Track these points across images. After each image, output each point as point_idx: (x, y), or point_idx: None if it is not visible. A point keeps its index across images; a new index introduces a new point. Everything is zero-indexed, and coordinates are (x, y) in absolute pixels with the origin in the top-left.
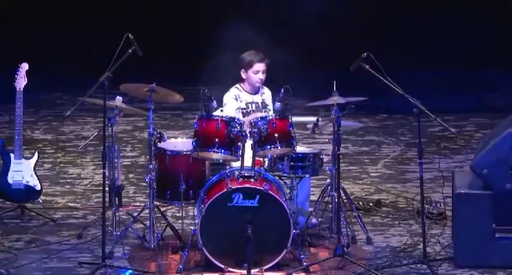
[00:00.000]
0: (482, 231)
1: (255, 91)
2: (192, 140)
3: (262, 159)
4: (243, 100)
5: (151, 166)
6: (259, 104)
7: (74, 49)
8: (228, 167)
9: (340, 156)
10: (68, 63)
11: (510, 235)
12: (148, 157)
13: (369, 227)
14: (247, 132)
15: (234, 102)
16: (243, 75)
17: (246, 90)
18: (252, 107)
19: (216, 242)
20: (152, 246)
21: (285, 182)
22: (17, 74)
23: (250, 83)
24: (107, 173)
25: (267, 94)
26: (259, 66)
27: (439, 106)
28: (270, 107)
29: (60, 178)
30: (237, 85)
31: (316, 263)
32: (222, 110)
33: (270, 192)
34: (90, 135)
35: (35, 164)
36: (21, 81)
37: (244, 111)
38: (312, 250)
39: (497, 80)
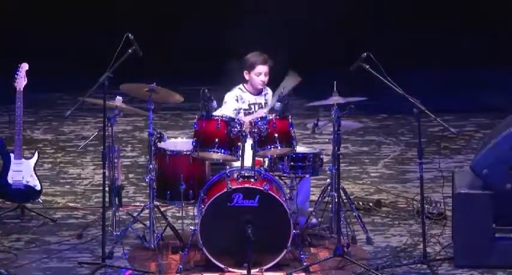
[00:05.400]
0: (482, 231)
1: (258, 92)
2: (192, 140)
3: (262, 159)
4: (245, 101)
5: (151, 166)
6: (263, 104)
7: (74, 49)
8: (228, 167)
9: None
10: (68, 63)
11: (510, 235)
12: (148, 157)
13: (369, 227)
14: (247, 132)
15: (234, 103)
16: (246, 77)
17: (249, 91)
18: (255, 108)
19: (216, 242)
20: (152, 246)
21: (285, 182)
22: (17, 74)
23: (253, 85)
24: (107, 173)
25: (269, 94)
26: (262, 69)
27: (439, 106)
28: None
29: (60, 178)
30: (241, 85)
31: (316, 263)
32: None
33: (270, 192)
34: (90, 135)
35: (35, 164)
36: (21, 81)
37: (247, 112)
38: (312, 250)
39: (497, 80)
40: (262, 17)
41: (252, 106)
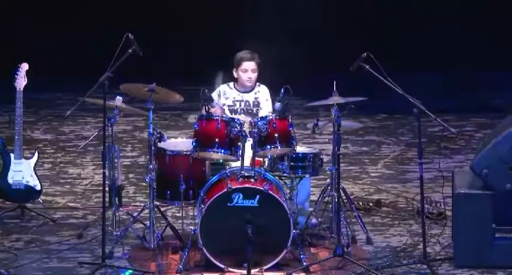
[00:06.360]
0: (482, 231)
1: (248, 90)
2: (192, 140)
3: (262, 159)
4: (229, 97)
5: (151, 166)
6: (251, 102)
7: (74, 49)
8: (228, 167)
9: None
10: (68, 63)
11: (510, 235)
12: (148, 156)
13: (369, 227)
14: (247, 132)
15: (215, 98)
16: (235, 74)
17: (236, 89)
18: (240, 106)
19: (216, 242)
20: (152, 246)
21: (285, 182)
22: (17, 74)
23: (241, 82)
24: (107, 173)
25: (262, 92)
26: (248, 65)
27: (439, 106)
28: (263, 105)
29: (60, 178)
30: (230, 83)
31: (316, 263)
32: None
33: (270, 192)
34: (90, 135)
35: (35, 164)
36: (21, 81)
37: (231, 108)
38: (312, 250)
39: (497, 80)
40: (263, 17)
41: (237, 103)
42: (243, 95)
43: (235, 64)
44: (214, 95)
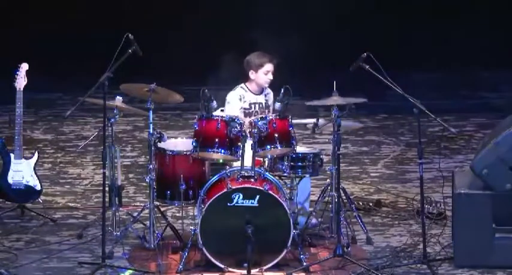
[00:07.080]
0: (482, 231)
1: (260, 92)
2: (192, 140)
3: (262, 159)
4: (246, 100)
5: (151, 166)
6: (263, 104)
7: (74, 49)
8: (228, 167)
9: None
10: (69, 63)
11: (510, 235)
12: (148, 157)
13: (369, 227)
14: (247, 132)
15: (238, 102)
16: (252, 76)
17: (251, 91)
18: (255, 108)
19: (216, 242)
20: (152, 246)
21: (285, 182)
22: (17, 74)
23: (259, 83)
24: (107, 173)
25: (270, 95)
26: (270, 67)
27: (439, 106)
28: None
29: (60, 178)
30: (242, 85)
31: (316, 263)
32: (222, 110)
33: (270, 192)
34: (90, 135)
35: (35, 164)
36: (21, 81)
37: (247, 111)
38: (312, 250)
39: (497, 80)
40: (263, 16)
41: (253, 105)
42: (257, 97)
43: (256, 65)
44: (234, 98)
